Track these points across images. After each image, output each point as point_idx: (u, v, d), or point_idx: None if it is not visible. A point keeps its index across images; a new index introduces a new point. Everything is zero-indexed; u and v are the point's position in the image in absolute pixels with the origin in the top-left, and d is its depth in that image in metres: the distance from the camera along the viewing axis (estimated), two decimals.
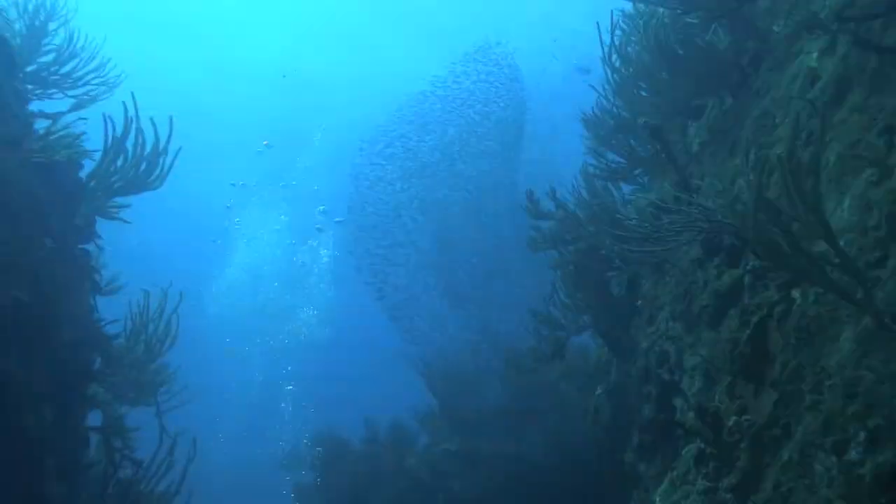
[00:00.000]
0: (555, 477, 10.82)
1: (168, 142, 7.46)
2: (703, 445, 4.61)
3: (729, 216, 3.86)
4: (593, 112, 11.03)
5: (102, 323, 8.02)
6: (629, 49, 10.97)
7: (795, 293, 3.90)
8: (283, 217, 27.02)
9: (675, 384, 6.25)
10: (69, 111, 7.79)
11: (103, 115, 7.11)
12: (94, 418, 8.11)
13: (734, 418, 4.00)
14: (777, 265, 3.65)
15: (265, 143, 26.96)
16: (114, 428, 7.78)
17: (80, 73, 8.01)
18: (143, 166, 7.39)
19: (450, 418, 13.39)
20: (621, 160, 8.72)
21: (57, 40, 8.24)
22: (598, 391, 8.55)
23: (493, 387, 14.34)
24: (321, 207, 25.10)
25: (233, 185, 26.57)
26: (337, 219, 23.51)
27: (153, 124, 7.30)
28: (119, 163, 7.23)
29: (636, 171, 8.88)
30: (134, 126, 7.02)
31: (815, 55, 5.48)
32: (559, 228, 8.33)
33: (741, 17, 6.99)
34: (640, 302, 7.40)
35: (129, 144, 7.20)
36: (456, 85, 16.65)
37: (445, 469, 12.20)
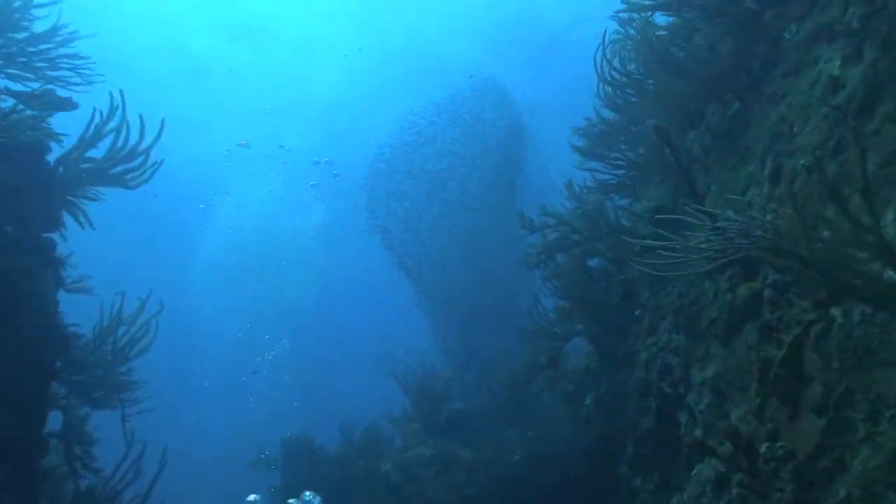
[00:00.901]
0: (536, 485, 10.57)
1: (155, 141, 7.01)
2: (723, 469, 4.36)
3: (769, 233, 3.59)
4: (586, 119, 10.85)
5: (70, 324, 7.44)
6: (623, 54, 10.84)
7: (836, 312, 3.67)
8: (276, 178, 26.66)
9: (678, 398, 6.02)
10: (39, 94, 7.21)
11: (94, 108, 6.64)
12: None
13: (766, 444, 3.76)
14: (824, 284, 3.40)
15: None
16: (75, 433, 7.27)
17: (52, 55, 7.41)
18: (122, 161, 6.90)
19: (424, 421, 13.07)
20: (616, 166, 8.51)
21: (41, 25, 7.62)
22: (588, 400, 8.29)
23: (469, 389, 14.09)
24: (317, 159, 24.74)
25: (228, 150, 25.83)
26: (335, 172, 23.41)
27: (141, 121, 6.84)
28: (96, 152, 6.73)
29: (628, 177, 8.68)
30: (118, 116, 6.55)
31: (837, 63, 5.27)
32: (553, 237, 8.07)
33: (756, 21, 6.80)
34: (638, 311, 7.16)
35: (113, 137, 6.72)
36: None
37: (419, 474, 11.88)
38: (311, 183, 25.90)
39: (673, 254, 4.10)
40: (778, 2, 6.73)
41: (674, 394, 6.08)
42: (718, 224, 3.73)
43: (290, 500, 11.46)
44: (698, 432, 5.52)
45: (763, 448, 3.77)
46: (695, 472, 5.12)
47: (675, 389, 6.07)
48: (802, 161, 4.89)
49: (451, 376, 13.96)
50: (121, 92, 6.63)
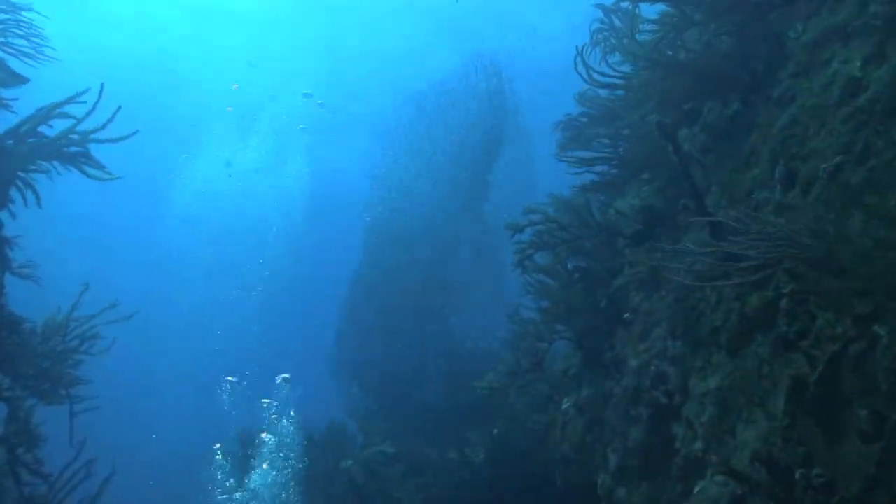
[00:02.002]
0: (505, 490, 10.29)
1: (110, 121, 6.48)
2: (739, 491, 4.09)
3: (819, 241, 3.30)
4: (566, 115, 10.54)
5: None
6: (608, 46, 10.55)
7: (880, 329, 3.40)
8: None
9: (674, 409, 5.75)
10: None
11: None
12: None
13: (800, 471, 3.49)
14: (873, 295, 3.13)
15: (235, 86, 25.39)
16: (21, 430, 6.66)
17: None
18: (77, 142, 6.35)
19: (387, 418, 12.69)
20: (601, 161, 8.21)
21: None
22: (566, 404, 8.01)
23: (433, 386, 13.75)
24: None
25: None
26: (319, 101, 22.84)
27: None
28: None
29: (612, 174, 8.40)
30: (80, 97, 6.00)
31: (857, 63, 5.03)
32: (539, 236, 7.74)
33: (759, 20, 6.56)
34: (627, 314, 6.88)
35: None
36: None
37: (382, 472, 11.49)
38: (300, 126, 24.93)
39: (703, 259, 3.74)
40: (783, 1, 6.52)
41: (669, 404, 5.80)
42: (764, 229, 3.40)
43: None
44: (699, 445, 5.27)
45: (797, 475, 3.49)
46: (697, 489, 4.85)
47: (670, 399, 5.80)
48: (824, 165, 4.65)
49: (414, 371, 13.60)
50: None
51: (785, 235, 3.40)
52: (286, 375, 13.84)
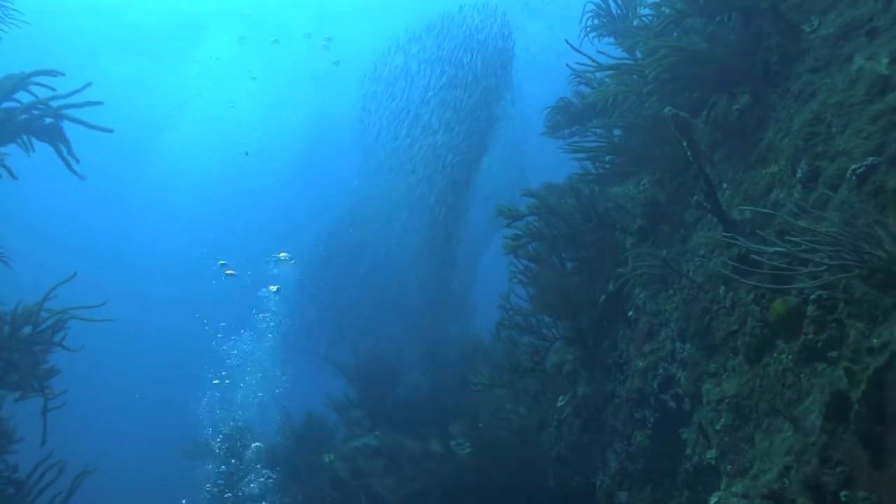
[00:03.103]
0: (491, 485, 10.10)
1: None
2: None
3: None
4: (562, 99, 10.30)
5: None
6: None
7: None
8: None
9: (683, 414, 5.57)
10: None
11: None
12: None
13: (844, 493, 3.31)
14: None
15: None
16: None
17: None
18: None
19: (369, 409, 12.41)
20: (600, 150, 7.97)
21: None
22: (562, 402, 7.81)
23: (414, 378, 13.48)
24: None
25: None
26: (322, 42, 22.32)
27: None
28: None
29: (612, 163, 8.17)
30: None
31: (884, 60, 4.83)
32: (534, 224, 7.47)
33: (772, 10, 6.33)
34: (631, 313, 6.67)
35: None
36: None
37: (365, 466, 11.23)
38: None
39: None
40: None
41: (678, 408, 5.61)
42: (827, 232, 3.16)
43: None
44: (712, 454, 5.09)
45: (842, 496, 3.30)
46: (715, 501, 4.67)
47: (679, 404, 5.61)
48: (854, 167, 4.46)
49: (396, 359, 13.32)
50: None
51: (850, 242, 3.16)
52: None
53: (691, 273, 5.81)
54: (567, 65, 8.72)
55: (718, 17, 6.99)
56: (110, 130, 7.62)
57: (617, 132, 8.20)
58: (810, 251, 3.27)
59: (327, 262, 17.37)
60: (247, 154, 25.10)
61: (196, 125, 27.40)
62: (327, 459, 11.24)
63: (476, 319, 15.27)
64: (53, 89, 7.17)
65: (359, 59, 18.44)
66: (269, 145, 26.35)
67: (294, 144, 27.42)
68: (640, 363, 6.20)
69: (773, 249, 3.53)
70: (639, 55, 7.05)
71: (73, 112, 7.31)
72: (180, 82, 26.58)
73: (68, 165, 7.35)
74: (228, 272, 18.35)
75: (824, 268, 3.27)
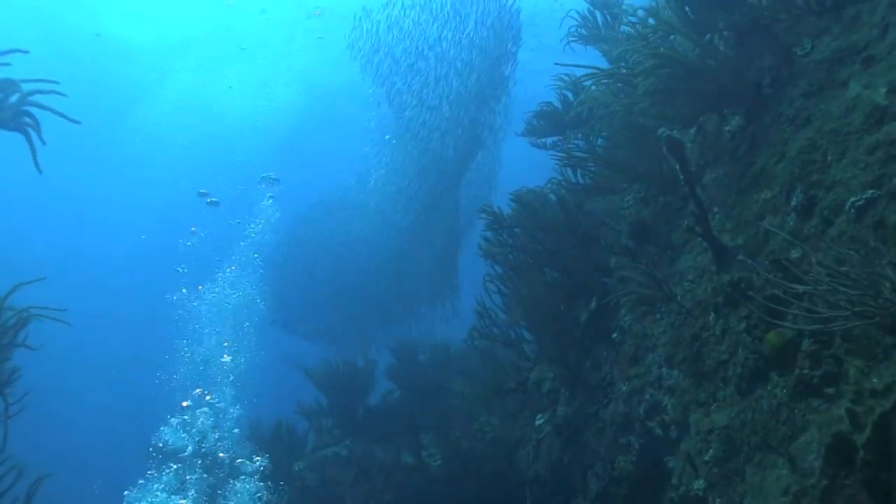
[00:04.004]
0: (464, 499, 9.95)
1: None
2: None
3: None
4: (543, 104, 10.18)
5: None
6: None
7: None
8: None
9: (670, 441, 5.47)
10: None
11: None
12: None
13: None
14: None
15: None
16: None
17: None
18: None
19: (340, 417, 12.17)
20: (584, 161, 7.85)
21: None
22: (540, 420, 7.68)
23: (385, 386, 13.29)
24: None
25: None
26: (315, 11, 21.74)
27: None
28: None
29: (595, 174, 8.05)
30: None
31: (882, 90, 4.77)
32: (520, 236, 7.33)
33: (764, 31, 6.27)
34: (616, 334, 6.56)
35: None
36: None
37: (335, 476, 11.01)
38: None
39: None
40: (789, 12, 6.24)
41: (664, 436, 5.51)
42: (848, 272, 3.05)
43: None
44: (700, 484, 4.99)
45: None
46: None
47: (665, 431, 5.50)
48: (853, 199, 4.38)
49: (368, 366, 13.09)
50: None
51: (870, 285, 3.05)
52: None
53: (679, 297, 5.71)
54: (556, 62, 8.56)
55: (708, 36, 6.94)
56: (78, 122, 7.25)
57: (600, 142, 8.10)
58: (833, 291, 3.14)
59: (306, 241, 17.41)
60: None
61: (180, 95, 26.59)
62: (296, 468, 10.99)
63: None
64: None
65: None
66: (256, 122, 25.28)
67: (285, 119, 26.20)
68: (625, 387, 6.09)
69: (802, 289, 3.35)
70: (623, 66, 6.89)
71: (41, 98, 6.92)
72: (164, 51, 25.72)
73: (34, 156, 6.90)
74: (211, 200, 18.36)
75: (847, 313, 3.13)
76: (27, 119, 6.80)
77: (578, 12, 10.23)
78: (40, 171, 6.86)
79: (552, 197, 8.01)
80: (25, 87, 6.81)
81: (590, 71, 8.05)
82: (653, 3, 7.38)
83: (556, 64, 8.46)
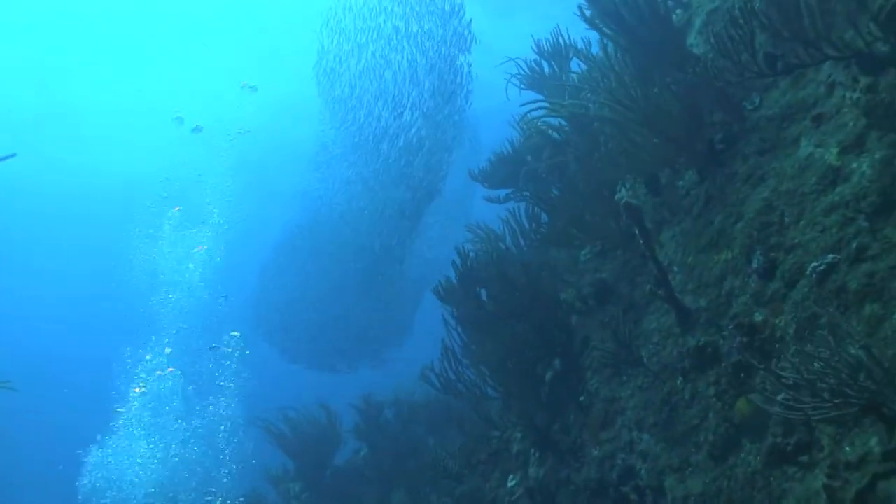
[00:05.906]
0: None
1: None
2: None
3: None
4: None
5: None
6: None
7: None
8: None
9: None
10: None
11: None
12: None
13: None
14: None
15: None
16: None
17: None
18: None
19: (307, 481, 11.80)
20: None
21: None
22: (512, 482, 7.51)
23: (352, 445, 12.97)
24: None
25: None
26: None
27: None
28: None
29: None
30: None
31: (834, 150, 4.84)
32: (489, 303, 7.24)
33: (709, 84, 6.33)
34: (583, 398, 6.46)
35: None
36: None
37: None
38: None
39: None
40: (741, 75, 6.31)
41: (640, 501, 5.40)
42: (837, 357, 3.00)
43: None
44: None
45: None
46: None
47: (641, 497, 5.39)
48: (814, 264, 4.40)
49: (332, 429, 12.74)
50: None
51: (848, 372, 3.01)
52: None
53: (646, 360, 5.66)
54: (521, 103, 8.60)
55: (656, 88, 7.01)
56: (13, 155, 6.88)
57: (555, 192, 8.11)
58: (821, 378, 3.09)
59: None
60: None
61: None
62: None
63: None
64: None
65: None
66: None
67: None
68: (596, 451, 5.98)
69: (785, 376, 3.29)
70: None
71: None
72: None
73: None
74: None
75: (829, 404, 3.09)
76: None
77: (526, 62, 10.33)
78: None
79: (513, 249, 8.00)
80: None
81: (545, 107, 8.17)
82: (601, 55, 7.44)
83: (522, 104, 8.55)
